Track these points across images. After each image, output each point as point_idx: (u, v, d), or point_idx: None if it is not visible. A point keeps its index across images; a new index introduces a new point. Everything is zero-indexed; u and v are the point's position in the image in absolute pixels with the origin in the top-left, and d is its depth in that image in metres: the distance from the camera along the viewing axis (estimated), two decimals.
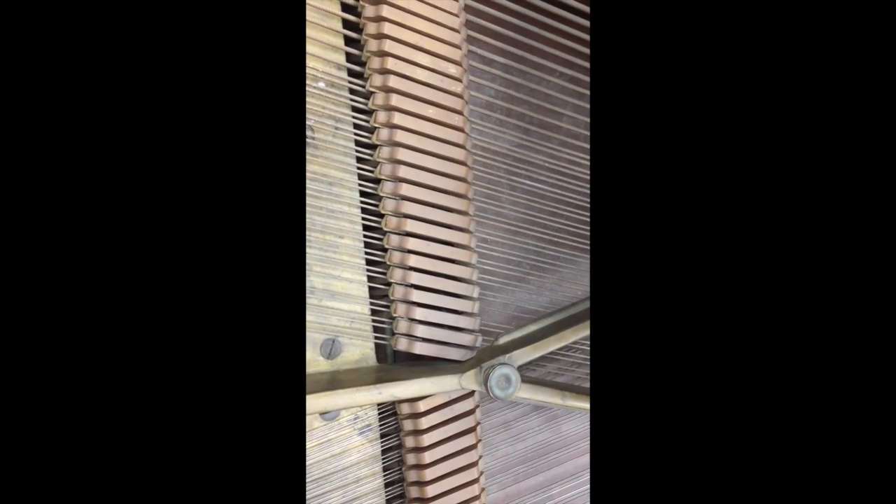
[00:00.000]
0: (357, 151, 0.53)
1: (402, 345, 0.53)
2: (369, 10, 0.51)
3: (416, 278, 0.53)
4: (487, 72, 0.57)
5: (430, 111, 0.53)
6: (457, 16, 0.53)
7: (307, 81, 0.51)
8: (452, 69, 0.53)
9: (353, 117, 0.53)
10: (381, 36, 0.50)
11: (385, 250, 0.54)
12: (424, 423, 0.54)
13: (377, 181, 0.53)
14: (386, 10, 0.50)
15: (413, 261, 0.53)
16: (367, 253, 0.54)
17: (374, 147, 0.53)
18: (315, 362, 0.53)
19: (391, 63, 0.51)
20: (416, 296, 0.53)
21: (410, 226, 0.53)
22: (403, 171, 0.52)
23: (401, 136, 0.52)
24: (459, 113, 0.54)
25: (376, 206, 0.54)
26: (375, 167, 0.53)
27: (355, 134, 0.53)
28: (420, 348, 0.53)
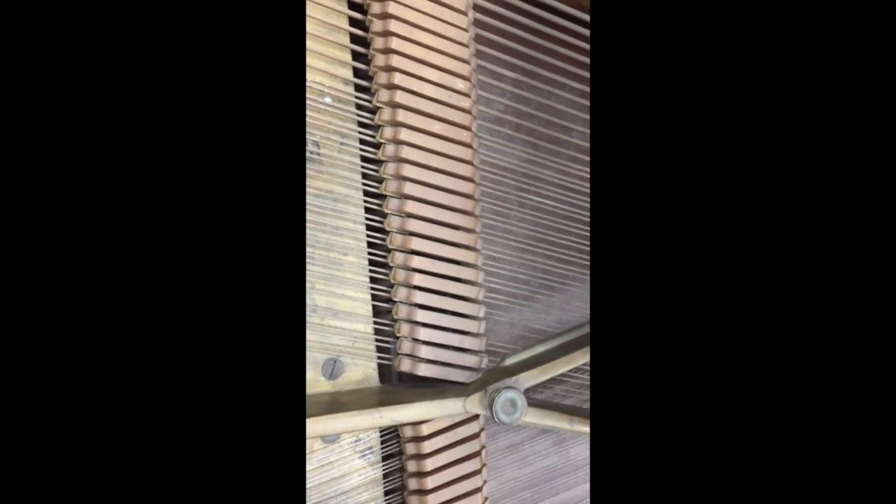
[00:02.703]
0: (362, 167, 0.52)
1: (405, 366, 0.52)
2: (377, 25, 0.50)
3: (420, 297, 0.52)
4: (496, 86, 0.56)
5: (438, 127, 0.52)
6: (466, 30, 0.52)
7: (313, 97, 0.50)
8: (460, 84, 0.52)
9: (360, 132, 0.52)
10: (388, 51, 0.50)
11: (389, 268, 0.53)
12: (427, 446, 0.52)
13: (382, 198, 0.52)
14: (394, 25, 0.49)
15: (418, 279, 0.52)
16: (371, 270, 0.53)
17: (379, 163, 0.52)
18: (316, 383, 0.52)
19: (398, 78, 0.50)
20: (421, 315, 0.52)
21: (415, 243, 0.51)
22: (409, 188, 0.51)
23: (407, 153, 0.51)
24: (467, 129, 0.53)
25: (381, 222, 0.53)
26: (381, 183, 0.52)
27: (361, 149, 0.52)
28: (424, 370, 0.52)
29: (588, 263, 0.61)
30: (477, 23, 0.53)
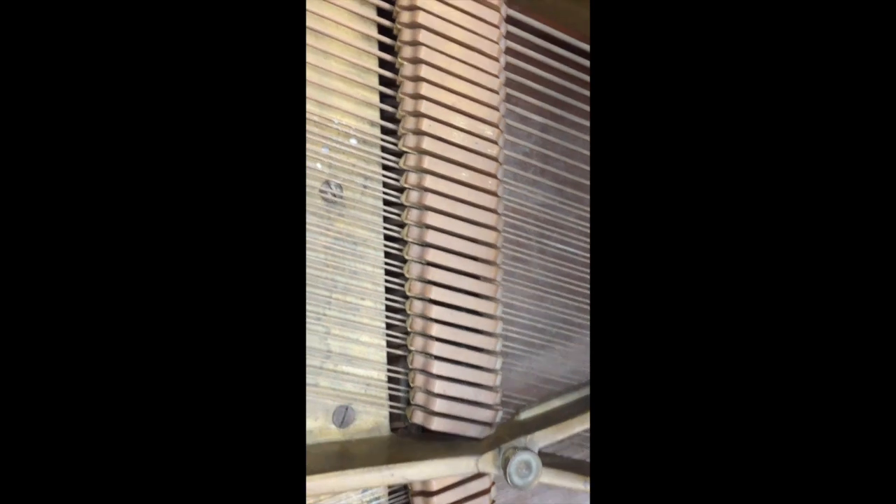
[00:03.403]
0: (385, 210, 0.51)
1: (418, 418, 0.51)
2: (407, 69, 0.49)
3: (437, 348, 0.50)
4: (522, 129, 0.55)
5: (464, 174, 0.50)
6: (496, 76, 0.51)
7: (339, 139, 0.49)
8: (489, 131, 0.51)
9: (383, 176, 0.51)
10: (418, 96, 0.48)
11: (407, 315, 0.51)
12: (435, 502, 0.51)
13: (403, 243, 0.51)
14: (424, 71, 0.48)
15: (435, 330, 0.50)
16: (387, 316, 0.52)
17: (402, 207, 0.51)
18: (326, 431, 0.50)
19: (426, 125, 0.48)
20: (437, 367, 0.50)
21: (435, 293, 0.50)
22: (431, 236, 0.50)
23: (431, 200, 0.49)
24: (493, 176, 0.51)
25: (401, 268, 0.51)
26: (402, 227, 0.51)
27: (384, 192, 0.51)
28: (437, 424, 0.50)
29: None
30: (506, 66, 0.52)
